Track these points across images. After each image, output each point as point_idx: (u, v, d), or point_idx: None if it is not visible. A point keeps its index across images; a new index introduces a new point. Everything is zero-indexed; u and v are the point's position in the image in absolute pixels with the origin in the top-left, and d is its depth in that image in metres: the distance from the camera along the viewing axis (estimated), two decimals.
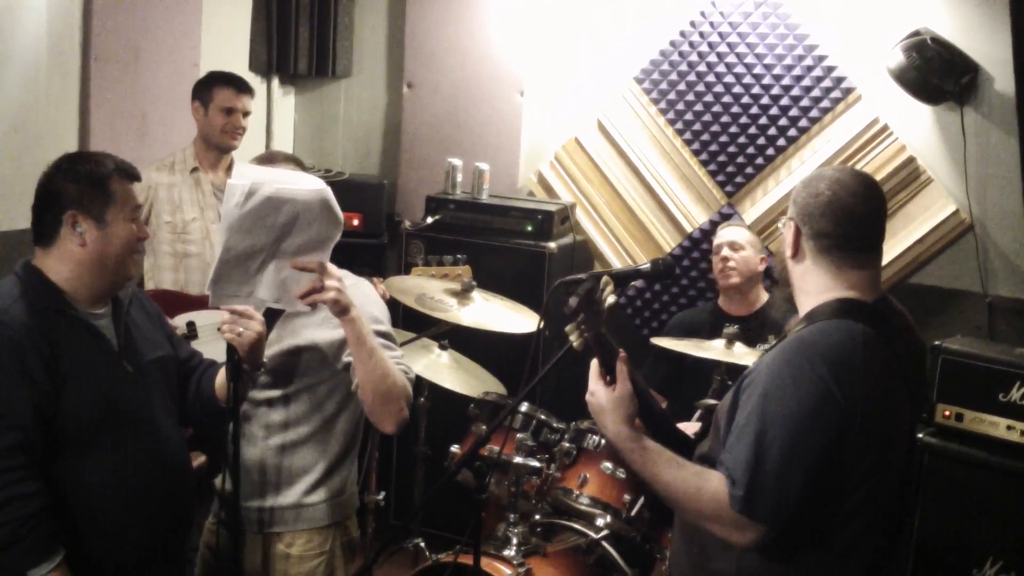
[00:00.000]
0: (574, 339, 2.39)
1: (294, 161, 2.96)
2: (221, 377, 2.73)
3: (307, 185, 2.52)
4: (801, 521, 2.18)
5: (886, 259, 4.71)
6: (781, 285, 2.46)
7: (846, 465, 2.18)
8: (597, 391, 2.38)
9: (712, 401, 3.58)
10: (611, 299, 2.39)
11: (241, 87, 4.33)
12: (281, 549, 2.86)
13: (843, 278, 2.32)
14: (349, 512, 2.98)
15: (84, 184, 2.56)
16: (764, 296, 4.35)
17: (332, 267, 2.62)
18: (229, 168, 4.29)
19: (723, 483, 2.17)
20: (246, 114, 4.34)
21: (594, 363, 2.41)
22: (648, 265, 2.63)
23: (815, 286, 2.33)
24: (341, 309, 2.60)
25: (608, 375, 2.39)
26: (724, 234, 4.36)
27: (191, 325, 3.50)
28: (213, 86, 4.29)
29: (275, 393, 2.83)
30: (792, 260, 2.37)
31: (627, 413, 2.34)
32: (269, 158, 2.92)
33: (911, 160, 4.68)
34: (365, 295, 2.85)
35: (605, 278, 2.38)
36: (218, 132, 4.28)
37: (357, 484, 3.04)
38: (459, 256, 4.14)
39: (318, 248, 2.58)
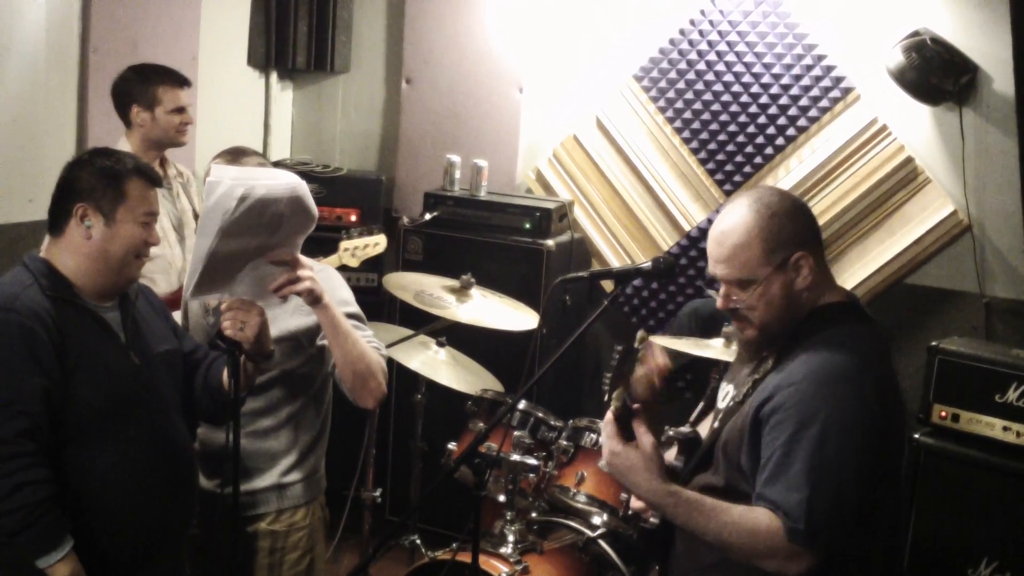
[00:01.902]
0: (616, 403, 2.27)
1: (260, 156, 3.00)
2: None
3: (285, 181, 2.53)
4: (851, 540, 2.18)
5: (884, 259, 4.74)
6: (760, 327, 2.32)
7: (883, 476, 2.20)
8: (621, 451, 2.27)
9: (686, 429, 3.56)
10: (640, 371, 2.29)
11: (184, 81, 4.15)
12: (262, 528, 2.99)
13: (828, 280, 2.33)
14: (321, 490, 3.15)
15: (99, 179, 2.57)
16: None
17: (304, 258, 2.69)
18: (162, 164, 4.15)
19: (773, 519, 2.14)
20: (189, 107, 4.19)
21: (607, 424, 2.30)
22: (649, 263, 2.63)
23: (808, 298, 2.30)
24: (315, 298, 2.70)
25: (624, 432, 2.29)
26: None
27: None
28: (155, 86, 4.05)
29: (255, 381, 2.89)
30: (808, 290, 2.29)
31: (659, 467, 2.26)
32: (237, 153, 2.92)
33: (909, 160, 4.68)
34: (330, 279, 2.98)
35: (641, 334, 2.27)
36: (172, 132, 4.10)
37: (355, 479, 3.08)
38: (373, 226, 4.24)
39: (291, 241, 2.62)
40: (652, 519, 2.46)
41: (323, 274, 2.92)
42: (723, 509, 2.20)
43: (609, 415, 2.29)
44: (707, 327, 4.22)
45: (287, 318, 2.91)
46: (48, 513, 2.43)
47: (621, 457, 2.27)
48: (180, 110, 4.10)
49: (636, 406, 2.28)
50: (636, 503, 2.50)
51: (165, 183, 4.12)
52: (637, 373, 2.27)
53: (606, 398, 2.29)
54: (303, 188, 2.55)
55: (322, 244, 2.84)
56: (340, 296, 2.96)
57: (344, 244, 4.11)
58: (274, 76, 5.59)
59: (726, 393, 2.48)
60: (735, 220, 2.28)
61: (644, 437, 2.27)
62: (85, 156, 2.65)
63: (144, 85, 4.05)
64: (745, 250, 2.25)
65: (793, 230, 2.27)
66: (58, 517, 2.45)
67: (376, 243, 4.18)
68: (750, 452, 2.23)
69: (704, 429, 2.57)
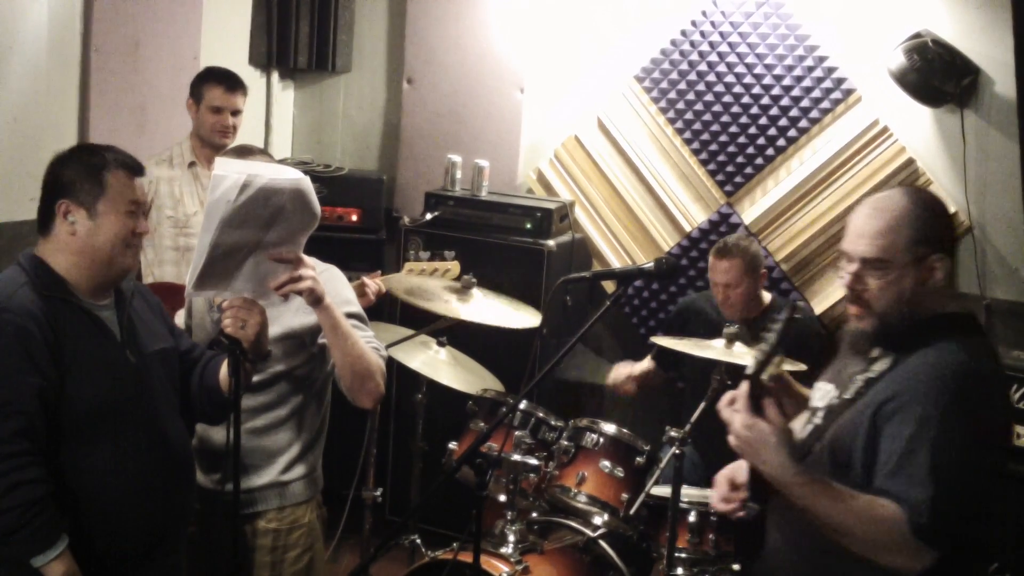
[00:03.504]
0: (773, 371, 2.21)
1: (267, 154, 2.99)
2: (225, 368, 2.74)
3: (288, 175, 2.53)
4: (972, 544, 2.17)
5: None
6: (880, 317, 2.31)
7: (998, 479, 2.21)
8: (755, 424, 2.17)
9: (675, 433, 3.56)
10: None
11: (231, 85, 4.26)
12: (263, 526, 2.98)
13: (953, 291, 2.35)
14: (319, 488, 3.14)
15: (78, 174, 2.56)
16: (766, 300, 4.33)
17: (306, 257, 2.69)
18: None
19: (898, 511, 2.11)
20: (236, 112, 4.28)
21: (740, 395, 2.22)
22: (652, 264, 2.64)
23: (932, 303, 2.29)
24: (316, 299, 2.70)
25: (753, 405, 2.22)
26: (718, 272, 4.17)
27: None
28: (205, 83, 4.24)
29: (254, 379, 2.89)
30: (935, 295, 2.28)
31: (791, 445, 2.20)
32: (243, 151, 2.91)
33: (911, 162, 4.69)
34: (334, 279, 2.97)
35: (800, 305, 2.26)
36: (208, 130, 4.25)
37: (355, 479, 3.08)
38: (448, 251, 4.17)
39: (294, 239, 2.61)
40: (741, 513, 2.39)
41: (327, 273, 2.92)
42: (850, 495, 2.16)
43: (744, 386, 2.21)
44: (688, 322, 4.24)
45: (291, 316, 2.91)
46: (43, 512, 2.42)
47: (755, 430, 2.17)
48: (216, 110, 4.23)
49: (771, 384, 2.22)
50: (719, 505, 2.45)
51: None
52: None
53: (752, 369, 2.20)
54: (306, 183, 2.54)
55: (322, 244, 2.83)
56: (343, 296, 2.96)
57: (409, 265, 4.11)
58: (275, 76, 5.59)
59: (825, 392, 2.45)
60: (892, 201, 2.30)
61: (775, 414, 2.20)
62: (66, 153, 2.64)
63: (198, 81, 4.27)
64: (894, 232, 2.26)
65: (941, 231, 2.29)
66: (53, 516, 2.44)
67: (447, 269, 4.14)
68: (866, 449, 2.20)
69: (796, 425, 2.50)
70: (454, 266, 4.15)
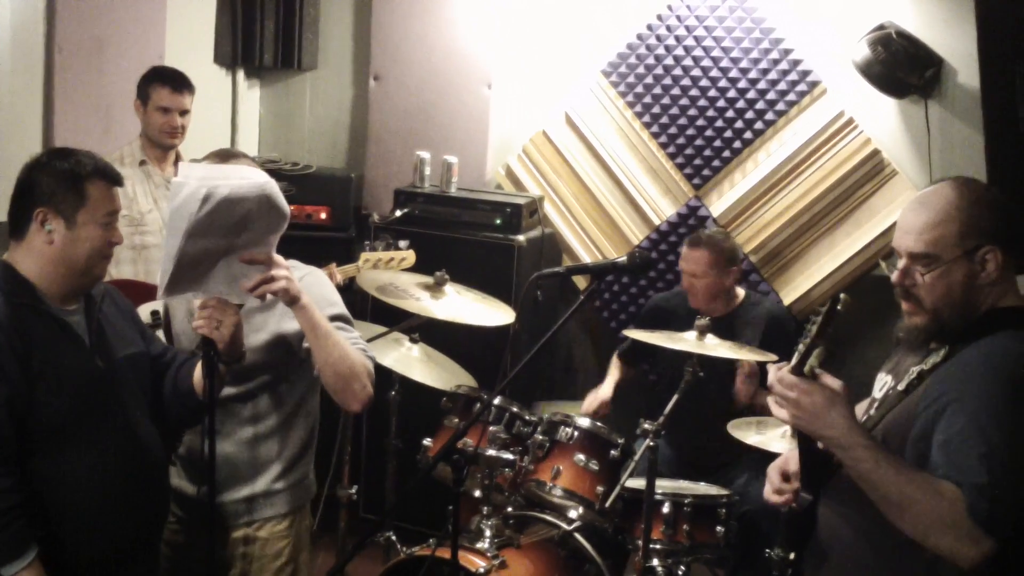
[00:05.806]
0: (814, 362, 2.18)
1: (248, 159, 2.96)
2: (199, 371, 2.71)
3: (252, 179, 2.49)
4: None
5: (850, 252, 4.79)
6: (932, 312, 2.24)
7: None
8: (815, 387, 2.15)
9: (649, 426, 3.58)
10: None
11: (177, 85, 4.26)
12: (248, 533, 2.95)
13: (1011, 283, 2.25)
14: (309, 498, 3.10)
15: (58, 182, 2.52)
16: (740, 295, 4.36)
17: (279, 258, 2.65)
18: (177, 162, 4.25)
19: (957, 492, 2.04)
20: (184, 112, 4.29)
21: (786, 371, 2.21)
22: (625, 258, 2.65)
23: (987, 296, 2.23)
24: (292, 298, 2.65)
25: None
26: (685, 260, 4.25)
27: (155, 314, 3.46)
28: (151, 84, 4.24)
29: (243, 388, 2.87)
30: (989, 287, 2.22)
31: (852, 410, 2.15)
32: (225, 155, 2.88)
33: (876, 153, 4.73)
34: (318, 282, 2.94)
35: (844, 297, 2.18)
36: (157, 131, 4.26)
37: (329, 477, 3.06)
38: (402, 242, 4.18)
39: (265, 240, 2.59)
40: (792, 502, 2.36)
41: (310, 277, 2.90)
42: (912, 468, 2.11)
43: (788, 367, 2.20)
44: (659, 320, 4.27)
45: (278, 321, 2.86)
46: (13, 522, 2.39)
47: (816, 394, 2.14)
48: (164, 110, 4.23)
49: (818, 371, 2.19)
50: (771, 497, 2.42)
51: (170, 179, 4.17)
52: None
53: (795, 361, 2.19)
54: (272, 187, 2.51)
55: (292, 243, 2.81)
56: (329, 298, 2.92)
57: (365, 256, 4.11)
58: (241, 74, 5.57)
59: (883, 384, 2.42)
60: (939, 195, 2.24)
61: (833, 379, 2.16)
62: (43, 158, 2.58)
63: (145, 82, 4.26)
64: (940, 226, 2.20)
65: (992, 222, 2.21)
66: (23, 526, 2.41)
67: (403, 258, 4.15)
68: (917, 442, 2.16)
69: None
70: (409, 255, 4.17)
